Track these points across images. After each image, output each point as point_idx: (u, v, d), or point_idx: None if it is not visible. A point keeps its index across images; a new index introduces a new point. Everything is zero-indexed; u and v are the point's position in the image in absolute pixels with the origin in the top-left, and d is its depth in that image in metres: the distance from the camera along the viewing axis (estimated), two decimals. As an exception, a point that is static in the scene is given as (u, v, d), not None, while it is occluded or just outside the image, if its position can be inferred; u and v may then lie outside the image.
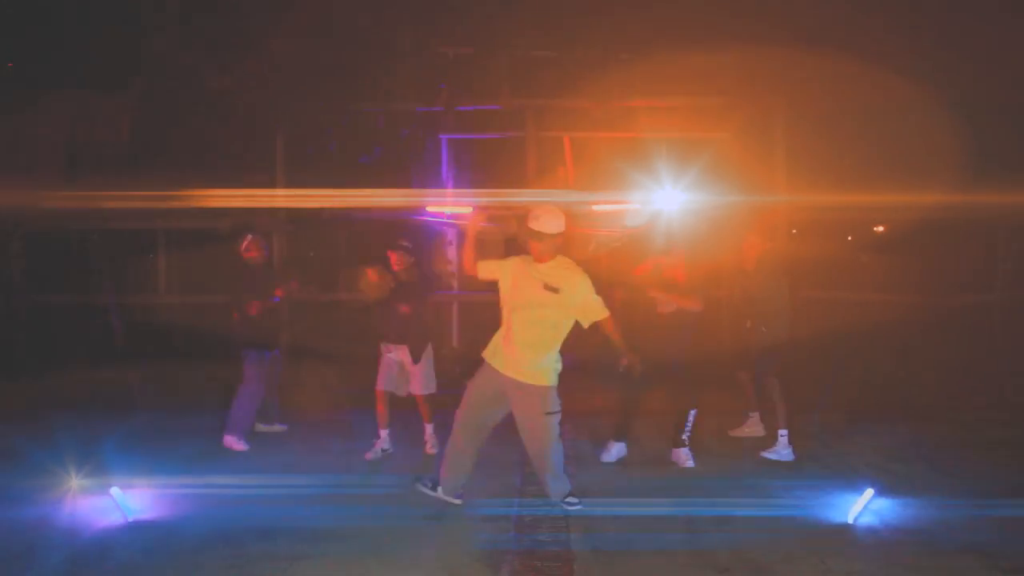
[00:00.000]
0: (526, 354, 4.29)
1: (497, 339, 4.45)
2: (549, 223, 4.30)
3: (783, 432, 5.54)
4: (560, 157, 9.75)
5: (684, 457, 5.42)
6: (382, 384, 5.66)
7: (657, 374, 5.20)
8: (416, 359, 5.64)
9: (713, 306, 5.82)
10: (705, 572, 3.68)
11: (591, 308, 4.37)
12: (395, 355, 5.67)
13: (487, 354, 4.46)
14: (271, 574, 3.66)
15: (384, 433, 5.67)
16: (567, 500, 4.45)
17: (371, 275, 5.64)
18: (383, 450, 5.67)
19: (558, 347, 4.39)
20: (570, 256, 4.49)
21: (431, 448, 5.74)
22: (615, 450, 5.56)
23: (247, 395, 5.89)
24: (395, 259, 5.64)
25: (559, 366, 4.41)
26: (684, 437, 5.44)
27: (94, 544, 4.03)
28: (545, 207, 4.37)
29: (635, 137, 9.12)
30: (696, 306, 5.35)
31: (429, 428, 5.80)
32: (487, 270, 4.54)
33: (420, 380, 5.68)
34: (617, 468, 5.35)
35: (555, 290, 4.30)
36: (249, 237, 6.08)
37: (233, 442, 5.79)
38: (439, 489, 4.51)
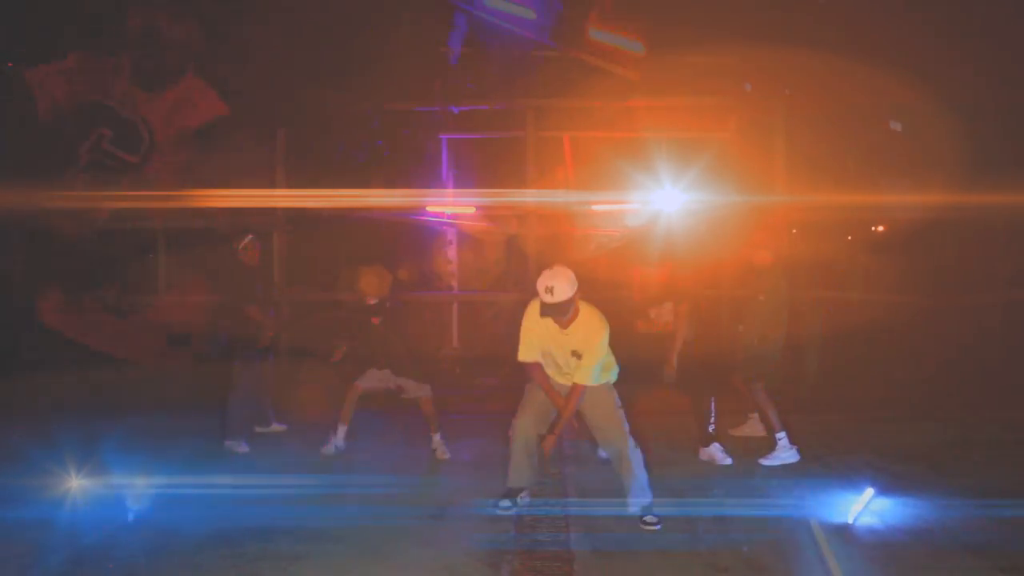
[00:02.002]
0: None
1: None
2: (564, 289, 4.04)
3: (780, 435, 5.42)
4: (560, 157, 9.75)
5: (719, 455, 5.40)
6: (363, 382, 5.64)
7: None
8: (401, 372, 5.64)
9: (713, 307, 5.81)
10: (705, 572, 3.68)
11: (587, 366, 4.25)
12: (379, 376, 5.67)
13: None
14: (271, 574, 3.66)
15: (343, 429, 5.62)
16: (645, 518, 4.21)
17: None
18: (336, 447, 5.62)
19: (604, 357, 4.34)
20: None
21: (443, 454, 5.61)
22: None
23: (238, 398, 5.90)
24: (368, 287, 5.56)
25: (616, 366, 4.45)
26: (711, 430, 5.45)
27: (94, 544, 4.03)
28: (549, 274, 4.09)
29: (635, 137, 9.11)
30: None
31: (437, 436, 5.65)
32: (527, 355, 4.39)
33: (414, 384, 5.64)
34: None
35: (579, 356, 4.28)
36: (249, 237, 6.08)
37: (234, 445, 5.81)
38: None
